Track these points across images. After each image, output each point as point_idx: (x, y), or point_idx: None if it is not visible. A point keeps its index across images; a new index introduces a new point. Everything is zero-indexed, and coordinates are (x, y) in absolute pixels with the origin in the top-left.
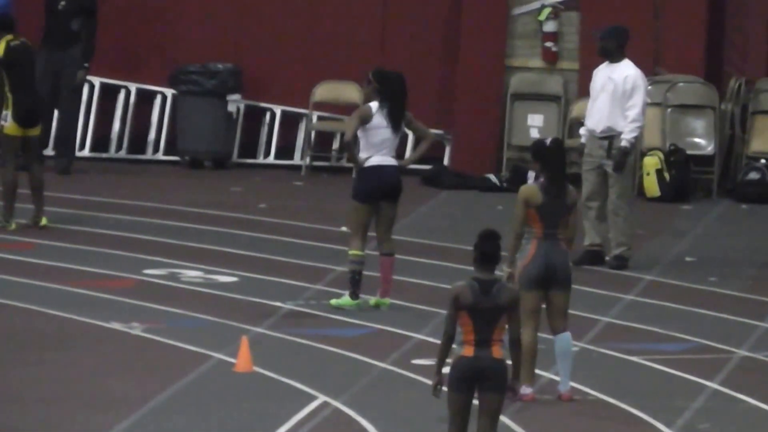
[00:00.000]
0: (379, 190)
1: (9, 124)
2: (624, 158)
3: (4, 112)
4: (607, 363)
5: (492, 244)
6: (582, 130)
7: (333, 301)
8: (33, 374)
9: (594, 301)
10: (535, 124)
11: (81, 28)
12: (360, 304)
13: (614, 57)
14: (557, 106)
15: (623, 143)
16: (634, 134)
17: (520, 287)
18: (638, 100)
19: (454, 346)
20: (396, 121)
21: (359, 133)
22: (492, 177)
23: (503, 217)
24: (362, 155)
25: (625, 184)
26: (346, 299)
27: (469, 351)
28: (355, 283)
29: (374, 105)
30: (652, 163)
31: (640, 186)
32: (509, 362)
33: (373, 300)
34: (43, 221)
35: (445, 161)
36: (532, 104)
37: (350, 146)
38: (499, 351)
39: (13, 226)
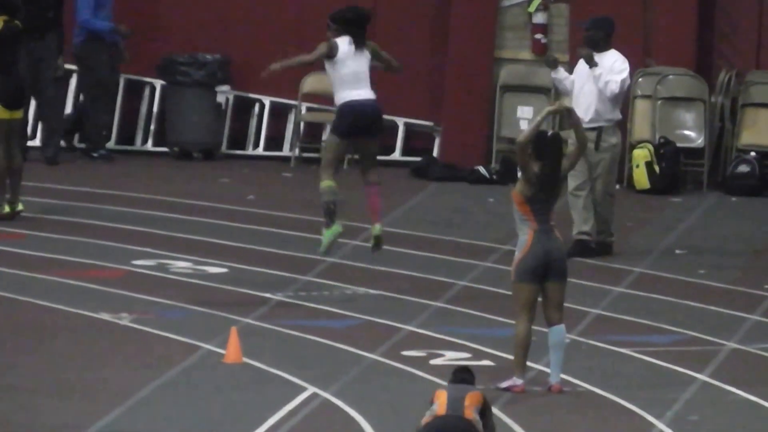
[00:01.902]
0: (358, 126)
1: None
2: (590, 57)
3: None
4: (597, 355)
5: (466, 374)
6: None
7: (321, 249)
8: (21, 364)
9: (584, 292)
10: (525, 116)
11: (56, 16)
12: (337, 229)
13: (601, 47)
14: (547, 98)
15: (607, 92)
16: (614, 88)
17: (516, 279)
18: (622, 73)
19: None
20: (359, 45)
21: (331, 74)
22: (481, 169)
23: (493, 209)
24: (339, 95)
25: (611, 175)
26: (326, 233)
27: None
28: (331, 214)
29: (338, 39)
30: (641, 155)
31: (629, 178)
32: None
33: (376, 228)
34: (20, 206)
35: (435, 153)
36: (521, 96)
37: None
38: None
39: (7, 209)
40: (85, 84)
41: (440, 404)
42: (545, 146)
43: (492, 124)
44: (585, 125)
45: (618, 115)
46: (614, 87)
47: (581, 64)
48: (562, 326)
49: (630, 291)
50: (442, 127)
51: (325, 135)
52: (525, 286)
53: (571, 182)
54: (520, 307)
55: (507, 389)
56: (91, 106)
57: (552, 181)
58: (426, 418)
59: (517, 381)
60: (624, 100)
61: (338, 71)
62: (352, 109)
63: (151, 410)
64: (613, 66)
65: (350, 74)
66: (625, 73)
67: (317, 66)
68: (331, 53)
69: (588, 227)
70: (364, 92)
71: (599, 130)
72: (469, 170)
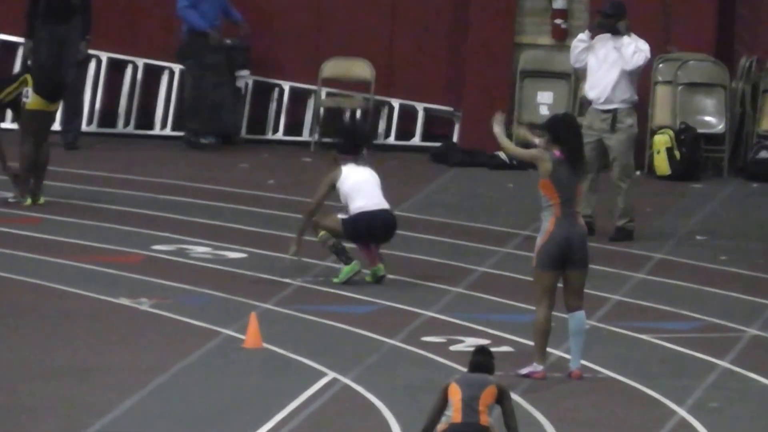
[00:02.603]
0: (371, 238)
1: (31, 99)
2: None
3: (25, 89)
4: (618, 341)
5: (484, 357)
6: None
7: (336, 280)
8: (41, 350)
9: (604, 279)
10: (545, 101)
11: (83, 1)
12: (355, 267)
13: (622, 32)
14: (567, 83)
15: (635, 61)
16: (640, 62)
17: (537, 265)
18: (644, 50)
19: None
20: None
21: (344, 195)
22: (501, 154)
23: (513, 194)
24: (353, 205)
25: (628, 157)
26: (344, 270)
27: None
28: (341, 252)
29: (342, 170)
30: (662, 141)
31: (650, 164)
32: None
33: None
34: (42, 200)
35: (455, 138)
36: (541, 81)
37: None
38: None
39: (29, 201)
40: (191, 74)
41: (455, 408)
42: (561, 129)
43: (512, 110)
44: (600, 106)
45: (634, 97)
46: (640, 58)
47: (598, 46)
48: (582, 312)
49: (650, 277)
50: (461, 112)
51: (346, 116)
52: (545, 273)
53: None
54: (540, 293)
55: (527, 375)
56: (194, 95)
57: (576, 159)
58: (441, 425)
59: (537, 367)
60: (639, 83)
61: (349, 191)
62: (363, 219)
63: (171, 395)
64: (638, 43)
65: (363, 189)
66: (648, 51)
67: (337, 51)
68: (335, 183)
69: (590, 210)
70: (377, 203)
71: (614, 112)
72: (489, 155)
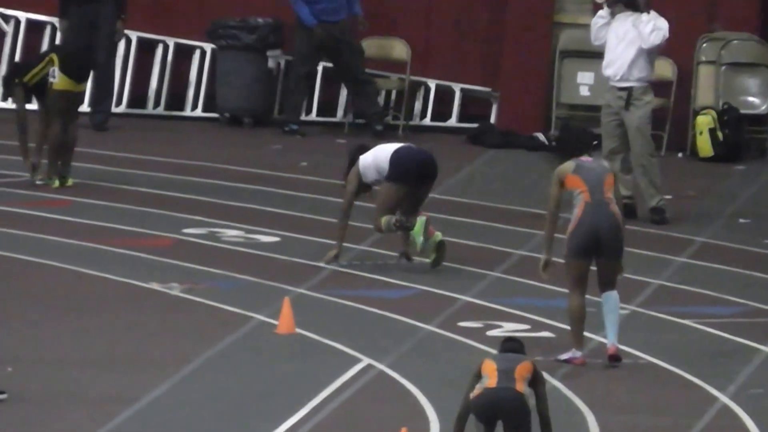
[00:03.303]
0: (416, 163)
1: (58, 79)
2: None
3: (52, 69)
4: (659, 326)
5: (515, 342)
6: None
7: (418, 247)
8: (70, 336)
9: (645, 263)
10: (585, 81)
11: None
12: (420, 222)
13: (641, 8)
14: None
15: (652, 39)
16: (657, 41)
17: (567, 254)
18: (659, 37)
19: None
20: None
21: (371, 170)
22: (540, 136)
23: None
24: (387, 156)
25: (645, 135)
26: (414, 234)
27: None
28: (403, 224)
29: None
30: (705, 122)
31: (692, 145)
32: None
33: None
34: (69, 181)
35: (492, 119)
36: (581, 61)
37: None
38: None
39: (56, 183)
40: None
41: (490, 376)
42: (576, 144)
43: (551, 90)
44: (616, 84)
45: (651, 76)
46: (657, 37)
47: (618, 23)
48: (614, 292)
49: (692, 261)
50: (499, 93)
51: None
52: (575, 263)
53: (606, 145)
54: (571, 282)
55: (567, 361)
56: (294, 83)
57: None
58: (476, 391)
59: (576, 353)
60: (683, 63)
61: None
62: (407, 153)
63: (203, 382)
64: (657, 21)
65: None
66: (667, 29)
67: (373, 30)
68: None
69: (628, 191)
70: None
71: (630, 90)
72: (527, 137)
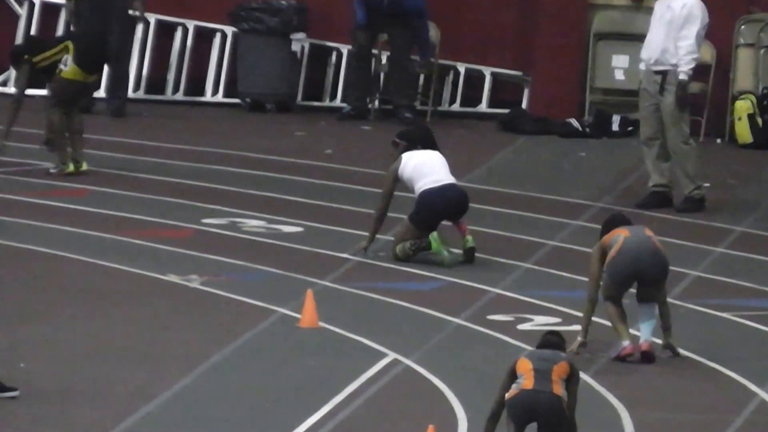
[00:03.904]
0: (442, 212)
1: (69, 68)
2: (684, 93)
3: (65, 56)
4: (696, 319)
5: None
6: (642, 64)
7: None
8: (86, 329)
9: (682, 253)
10: (620, 65)
11: None
12: (433, 238)
13: None
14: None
15: (681, 76)
16: (691, 66)
17: (606, 279)
18: (692, 30)
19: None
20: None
21: (406, 180)
22: (574, 122)
23: (585, 164)
24: (418, 185)
25: (679, 121)
26: (433, 248)
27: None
28: (420, 245)
29: (402, 156)
30: (744, 107)
31: (731, 132)
32: None
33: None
34: (84, 166)
35: (524, 105)
36: (616, 44)
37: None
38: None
39: (71, 167)
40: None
41: (526, 376)
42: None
43: (585, 74)
44: (652, 67)
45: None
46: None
47: (658, 4)
48: (653, 303)
49: (731, 251)
50: (531, 77)
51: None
52: (615, 287)
53: (644, 131)
54: (608, 298)
55: (619, 357)
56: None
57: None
58: (512, 391)
59: (623, 343)
60: (721, 46)
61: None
62: (434, 195)
63: (223, 377)
64: (691, 10)
65: (428, 169)
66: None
67: None
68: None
69: (665, 179)
70: (445, 178)
71: (664, 74)
72: (561, 123)
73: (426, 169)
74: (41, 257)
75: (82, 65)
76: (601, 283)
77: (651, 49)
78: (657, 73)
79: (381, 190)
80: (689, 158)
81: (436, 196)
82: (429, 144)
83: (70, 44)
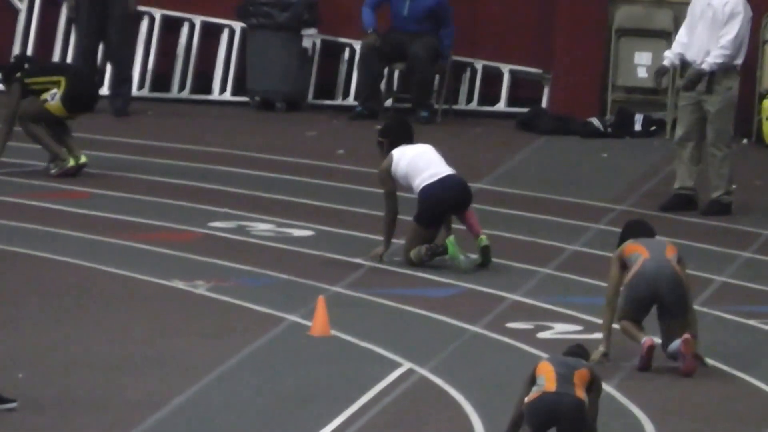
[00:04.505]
0: (446, 204)
1: (55, 103)
2: (697, 78)
3: (54, 91)
4: (723, 327)
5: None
6: (668, 53)
7: (463, 268)
8: (89, 336)
9: (708, 258)
10: (643, 62)
11: None
12: (449, 243)
13: None
14: (667, 42)
15: (703, 65)
16: (718, 60)
17: (622, 304)
18: (733, 27)
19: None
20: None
21: (401, 179)
22: (595, 121)
23: (607, 165)
24: (416, 182)
25: (724, 122)
26: (450, 252)
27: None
28: (436, 248)
29: (393, 154)
30: None
31: (758, 131)
32: None
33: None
34: (83, 158)
35: (544, 103)
36: (639, 41)
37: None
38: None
39: (71, 162)
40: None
41: (548, 378)
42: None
43: (607, 72)
44: (697, 66)
45: (735, 59)
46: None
47: (695, 1)
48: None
49: (759, 256)
50: (551, 74)
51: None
52: (631, 311)
53: (679, 130)
54: (625, 318)
55: (642, 361)
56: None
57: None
58: (533, 394)
59: (642, 342)
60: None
61: (409, 170)
62: (435, 188)
63: (230, 387)
64: (734, 7)
65: (423, 163)
66: (730, 36)
67: None
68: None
69: (692, 182)
70: (444, 170)
71: (711, 73)
72: (582, 122)
73: (422, 163)
74: (39, 262)
75: (68, 107)
76: (619, 302)
77: (695, 51)
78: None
79: (383, 193)
80: (726, 161)
81: (438, 189)
82: (409, 135)
83: (62, 81)
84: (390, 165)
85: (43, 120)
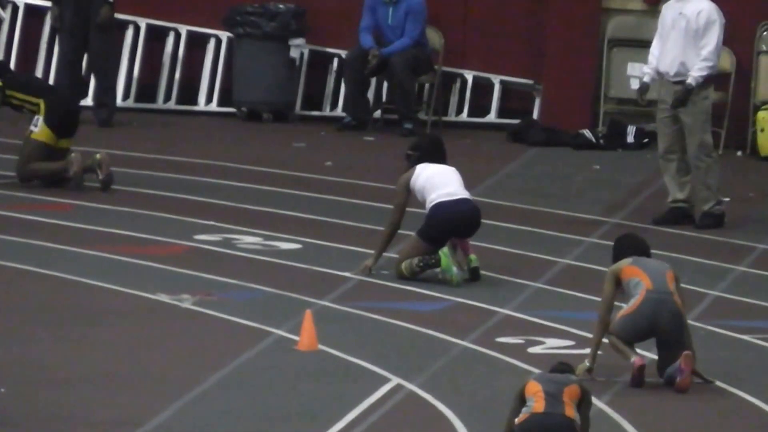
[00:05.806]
0: (454, 224)
1: (40, 129)
2: (686, 96)
3: (36, 117)
4: (717, 343)
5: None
6: (645, 68)
7: (454, 282)
8: (71, 351)
9: (701, 272)
10: (636, 73)
11: None
12: (443, 254)
13: None
14: None
15: (689, 80)
16: (703, 73)
17: (613, 330)
18: (712, 37)
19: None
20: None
21: (418, 192)
22: (587, 132)
23: (599, 177)
24: (431, 196)
25: (704, 132)
26: (443, 265)
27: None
28: (429, 261)
29: (417, 167)
30: (766, 118)
31: (753, 143)
32: None
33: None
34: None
35: (535, 115)
36: (632, 51)
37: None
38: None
39: (75, 168)
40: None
41: (536, 399)
42: (623, 247)
43: (599, 83)
44: (671, 79)
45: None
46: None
47: (667, 10)
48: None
49: (753, 270)
50: (542, 85)
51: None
52: (625, 338)
53: (661, 144)
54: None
55: (635, 377)
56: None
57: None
58: (522, 416)
59: (632, 360)
60: (741, 53)
61: (426, 187)
62: (443, 209)
63: (214, 404)
64: (709, 16)
65: (439, 182)
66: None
67: None
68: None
69: (684, 194)
70: (456, 192)
71: (686, 85)
72: (573, 134)
73: (439, 180)
74: (20, 275)
75: (54, 128)
76: (613, 325)
77: (669, 62)
78: (677, 83)
79: (392, 204)
80: (711, 171)
81: (450, 209)
82: (440, 155)
83: (42, 103)
84: (410, 177)
85: (42, 158)
